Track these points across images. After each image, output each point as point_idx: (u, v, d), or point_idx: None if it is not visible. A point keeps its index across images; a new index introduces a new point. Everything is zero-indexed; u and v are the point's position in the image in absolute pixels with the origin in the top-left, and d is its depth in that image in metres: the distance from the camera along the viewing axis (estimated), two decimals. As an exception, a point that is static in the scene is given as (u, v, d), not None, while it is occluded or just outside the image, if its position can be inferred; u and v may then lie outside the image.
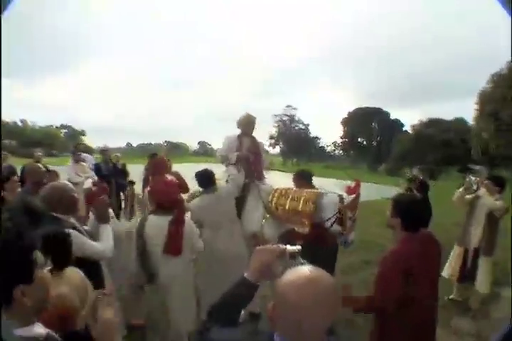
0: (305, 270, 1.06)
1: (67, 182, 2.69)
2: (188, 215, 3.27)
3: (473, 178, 4.80)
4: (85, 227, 2.63)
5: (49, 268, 1.28)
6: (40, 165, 4.12)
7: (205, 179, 3.69)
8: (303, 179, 3.95)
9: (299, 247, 1.31)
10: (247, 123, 4.21)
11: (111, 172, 7.59)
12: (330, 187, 3.96)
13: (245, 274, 1.30)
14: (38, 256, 1.16)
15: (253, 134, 4.32)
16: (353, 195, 3.56)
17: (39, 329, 1.17)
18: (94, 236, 2.53)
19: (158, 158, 5.70)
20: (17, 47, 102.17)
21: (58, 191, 2.43)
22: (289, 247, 1.31)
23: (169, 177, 3.27)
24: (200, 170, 3.75)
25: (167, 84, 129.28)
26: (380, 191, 14.12)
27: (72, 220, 2.47)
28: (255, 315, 3.67)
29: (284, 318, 1.03)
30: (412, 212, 2.29)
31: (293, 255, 1.29)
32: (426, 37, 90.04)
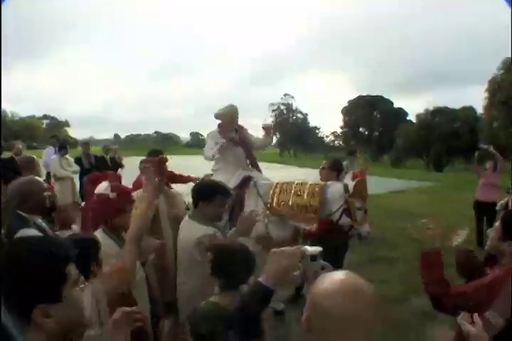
0: (343, 277, 0.98)
1: (39, 180, 2.46)
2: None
3: None
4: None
5: (83, 285, 1.06)
6: (35, 157, 3.98)
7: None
8: (336, 170, 3.84)
9: (320, 249, 1.22)
10: (234, 115, 3.79)
11: (93, 166, 7.24)
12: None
13: (260, 279, 1.20)
14: (72, 269, 0.99)
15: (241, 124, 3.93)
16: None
17: None
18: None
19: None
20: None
21: (25, 188, 2.25)
22: (309, 248, 1.22)
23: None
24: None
25: (156, 73, 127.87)
26: (384, 184, 13.80)
27: (39, 220, 2.29)
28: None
29: (325, 330, 0.93)
30: None
31: (314, 257, 1.20)
32: (430, 22, 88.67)
